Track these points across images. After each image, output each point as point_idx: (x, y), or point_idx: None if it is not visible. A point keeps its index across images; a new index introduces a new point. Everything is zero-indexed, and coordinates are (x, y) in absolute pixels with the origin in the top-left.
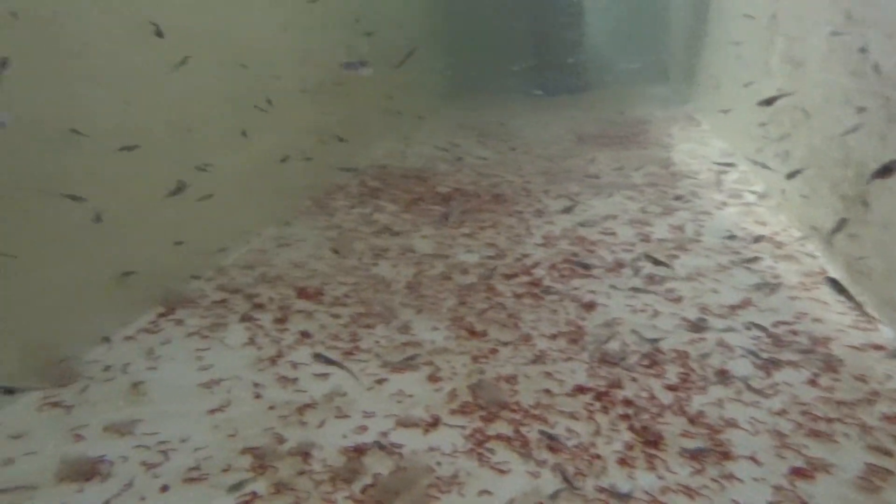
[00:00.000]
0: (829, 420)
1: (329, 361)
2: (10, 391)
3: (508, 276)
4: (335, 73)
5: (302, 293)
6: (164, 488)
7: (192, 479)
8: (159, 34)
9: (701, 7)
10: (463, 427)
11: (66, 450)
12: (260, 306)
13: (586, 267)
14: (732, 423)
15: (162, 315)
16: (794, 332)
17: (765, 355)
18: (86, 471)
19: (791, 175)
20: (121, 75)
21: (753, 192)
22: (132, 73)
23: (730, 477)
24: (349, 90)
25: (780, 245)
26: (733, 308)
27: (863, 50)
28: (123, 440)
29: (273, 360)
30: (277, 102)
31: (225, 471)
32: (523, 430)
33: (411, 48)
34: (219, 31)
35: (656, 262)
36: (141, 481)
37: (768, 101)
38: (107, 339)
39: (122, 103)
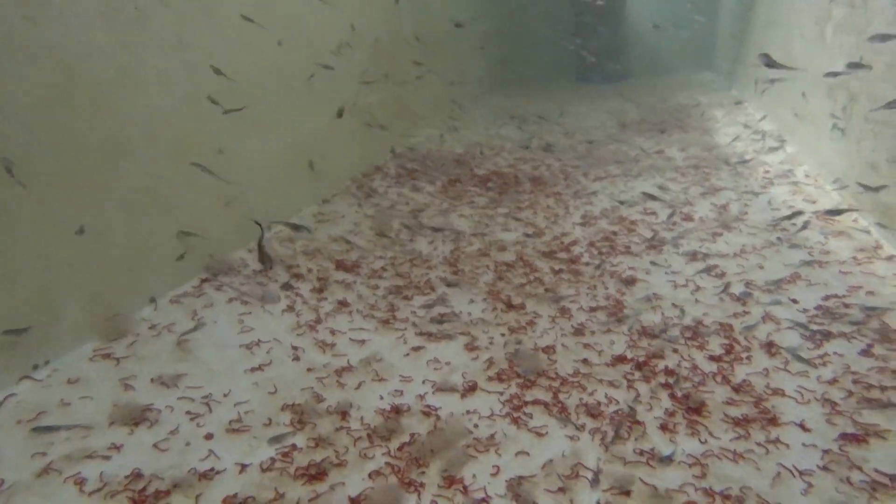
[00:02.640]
0: (884, 388)
1: None
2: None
3: (547, 254)
4: (381, 61)
5: (340, 265)
6: (209, 436)
7: (234, 430)
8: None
9: None
10: (500, 393)
11: (118, 396)
12: (299, 276)
13: (626, 245)
14: (779, 392)
15: (205, 281)
16: (846, 305)
17: (814, 327)
18: (135, 416)
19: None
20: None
21: (803, 171)
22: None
23: (776, 442)
24: (393, 76)
25: (831, 222)
26: (780, 283)
27: None
28: (169, 392)
29: (312, 326)
30: (325, 88)
31: (266, 425)
32: (561, 396)
33: None
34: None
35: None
36: (186, 429)
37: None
38: (153, 301)
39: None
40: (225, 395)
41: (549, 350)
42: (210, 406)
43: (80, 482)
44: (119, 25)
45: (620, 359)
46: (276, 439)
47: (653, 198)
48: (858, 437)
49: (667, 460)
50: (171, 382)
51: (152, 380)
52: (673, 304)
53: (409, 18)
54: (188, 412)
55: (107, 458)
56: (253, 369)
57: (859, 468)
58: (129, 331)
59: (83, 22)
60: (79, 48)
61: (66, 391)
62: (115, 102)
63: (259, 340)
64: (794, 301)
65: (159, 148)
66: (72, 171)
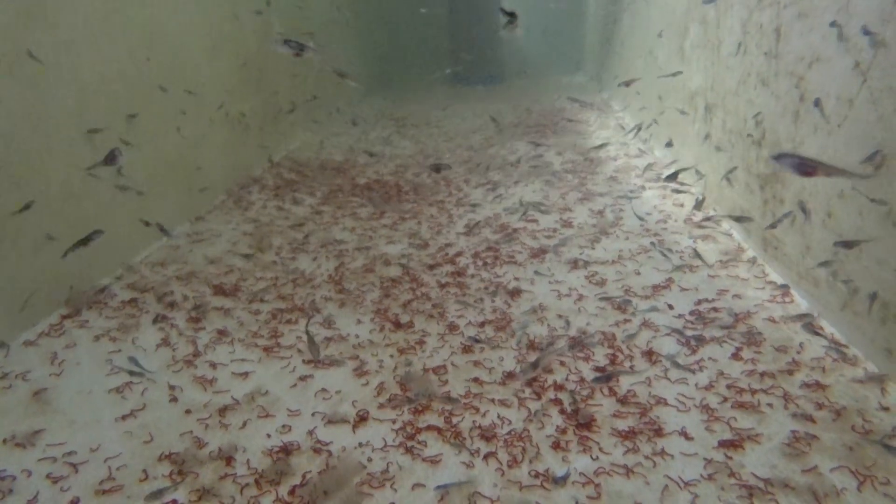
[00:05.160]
0: (754, 391)
1: None
2: None
3: (432, 267)
4: (252, 66)
5: (218, 290)
6: (75, 502)
7: (104, 491)
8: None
9: None
10: (393, 421)
11: None
12: (173, 305)
13: (510, 254)
14: (662, 401)
15: (66, 317)
16: (716, 310)
17: (689, 333)
18: None
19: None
20: None
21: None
22: None
23: (662, 454)
24: (266, 82)
25: (697, 225)
26: (656, 289)
27: (777, 31)
28: (25, 453)
29: (189, 361)
30: (191, 95)
31: (141, 480)
32: (454, 419)
33: None
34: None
35: None
36: (47, 496)
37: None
38: (3, 345)
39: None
40: (93, 450)
41: (439, 370)
42: (75, 465)
43: None
44: None
45: (510, 375)
46: (153, 496)
47: (534, 205)
48: (735, 443)
49: (561, 481)
50: (27, 442)
51: (4, 441)
52: (558, 315)
53: (279, 22)
54: (49, 475)
55: None
56: (124, 416)
57: (738, 475)
58: None
59: None
60: None
61: None
62: None
63: (130, 382)
64: (670, 307)
65: None
66: None
